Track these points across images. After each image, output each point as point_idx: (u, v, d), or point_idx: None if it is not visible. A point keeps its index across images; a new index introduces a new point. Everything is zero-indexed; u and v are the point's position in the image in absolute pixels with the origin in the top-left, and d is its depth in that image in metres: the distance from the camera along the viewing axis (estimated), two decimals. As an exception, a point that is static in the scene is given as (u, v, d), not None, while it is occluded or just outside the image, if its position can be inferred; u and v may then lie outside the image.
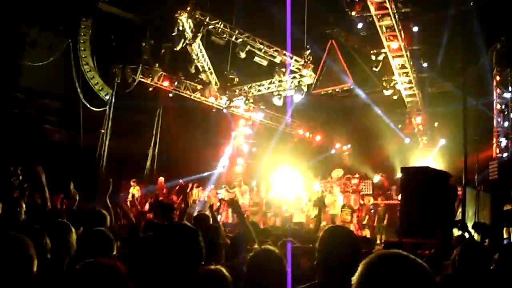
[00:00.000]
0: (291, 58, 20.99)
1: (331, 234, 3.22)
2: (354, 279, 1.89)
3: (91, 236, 3.93)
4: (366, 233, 18.19)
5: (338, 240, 3.11)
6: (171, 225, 4.11)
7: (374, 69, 20.16)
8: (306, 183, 21.62)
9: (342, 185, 21.15)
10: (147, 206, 18.42)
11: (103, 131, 22.10)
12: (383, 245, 14.90)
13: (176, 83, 22.81)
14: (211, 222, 6.64)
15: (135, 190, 20.40)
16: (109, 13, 20.08)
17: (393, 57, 17.98)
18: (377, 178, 22.34)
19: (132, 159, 23.23)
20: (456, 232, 11.65)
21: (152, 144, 24.15)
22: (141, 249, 3.61)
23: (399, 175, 17.88)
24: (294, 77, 21.33)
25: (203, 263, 2.77)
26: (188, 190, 19.55)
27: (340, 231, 3.31)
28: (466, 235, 8.47)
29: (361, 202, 19.88)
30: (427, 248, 10.04)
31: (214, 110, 24.60)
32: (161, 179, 20.58)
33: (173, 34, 20.40)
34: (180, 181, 20.96)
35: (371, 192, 21.39)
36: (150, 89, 22.17)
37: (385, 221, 18.20)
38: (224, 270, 3.35)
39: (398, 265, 1.83)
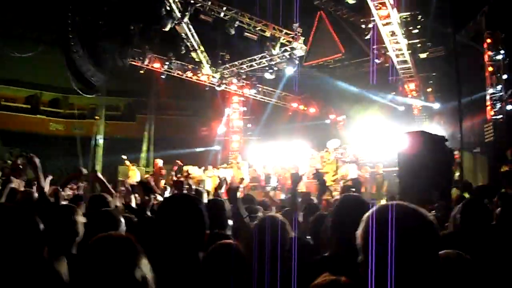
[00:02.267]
0: (281, 31, 20.88)
1: (346, 203, 3.22)
2: (359, 231, 1.94)
3: (98, 217, 4.01)
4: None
5: (353, 209, 2.97)
6: (176, 196, 4.35)
7: (364, 37, 20.07)
8: (303, 154, 21.81)
9: (340, 154, 21.11)
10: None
11: (97, 117, 22.04)
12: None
13: (167, 64, 22.72)
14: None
15: (133, 174, 20.51)
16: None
17: (383, 24, 17.77)
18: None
19: (128, 143, 23.27)
20: (455, 192, 11.76)
21: (147, 126, 24.01)
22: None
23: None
24: (285, 50, 21.21)
25: (208, 231, 2.81)
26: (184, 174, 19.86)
27: (354, 200, 3.29)
28: (466, 195, 8.51)
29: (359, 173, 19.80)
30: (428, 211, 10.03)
31: (207, 89, 24.53)
32: (158, 161, 20.57)
33: (161, 14, 20.02)
34: (177, 161, 20.88)
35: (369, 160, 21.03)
36: (142, 71, 22.21)
37: (385, 188, 18.18)
38: (231, 241, 3.36)
39: (401, 212, 1.85)
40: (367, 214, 1.93)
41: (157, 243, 2.71)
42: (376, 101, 23.02)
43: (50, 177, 6.25)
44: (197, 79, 23.78)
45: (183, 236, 2.71)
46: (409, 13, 18.17)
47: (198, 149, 24.68)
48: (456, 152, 14.22)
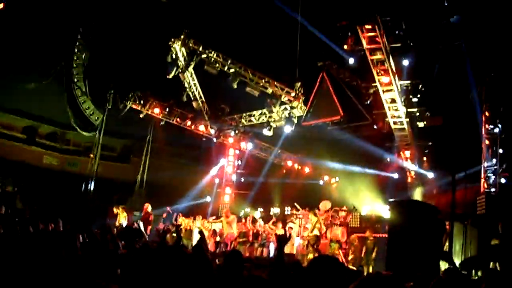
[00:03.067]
0: (283, 89, 21.05)
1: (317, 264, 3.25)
2: None
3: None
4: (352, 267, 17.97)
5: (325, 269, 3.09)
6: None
7: (365, 102, 20.19)
8: (294, 214, 21.56)
9: (329, 217, 20.86)
10: None
11: (92, 155, 21.96)
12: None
13: (167, 110, 22.84)
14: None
15: (122, 217, 20.25)
16: (103, 39, 20.19)
17: (384, 91, 18.02)
18: (365, 210, 21.98)
19: (120, 185, 23.14)
20: (443, 265, 11.55)
21: (141, 170, 23.92)
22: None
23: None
24: (285, 109, 21.31)
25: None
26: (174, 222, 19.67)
27: (326, 261, 3.30)
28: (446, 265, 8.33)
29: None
30: (416, 281, 9.87)
31: (204, 139, 24.66)
32: (147, 205, 20.21)
33: (167, 62, 20.55)
34: (168, 208, 20.83)
35: (358, 225, 21.10)
36: (141, 115, 22.30)
37: (374, 254, 17.83)
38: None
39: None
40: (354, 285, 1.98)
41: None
42: (371, 165, 23.16)
43: None
44: (195, 129, 23.86)
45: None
46: (410, 81, 18.31)
47: (191, 202, 24.51)
48: (447, 223, 14.06)
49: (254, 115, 23.17)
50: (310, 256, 16.86)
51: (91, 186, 21.21)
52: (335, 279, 3.01)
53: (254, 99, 21.69)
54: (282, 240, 5.90)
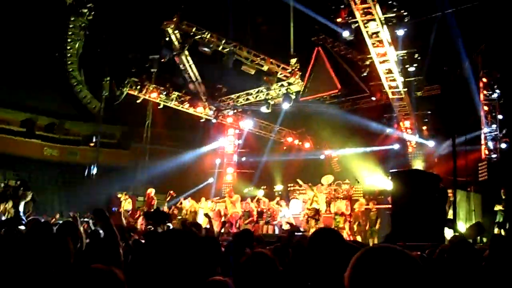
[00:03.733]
0: (279, 66, 21.06)
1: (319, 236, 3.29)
2: (345, 274, 1.88)
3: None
4: (358, 238, 18.07)
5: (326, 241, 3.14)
6: (173, 230, 4.15)
7: (361, 74, 20.14)
8: (297, 190, 22.05)
9: (332, 191, 20.94)
10: (139, 220, 18.65)
11: (92, 144, 22.01)
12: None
13: (164, 94, 22.71)
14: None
15: (126, 203, 20.50)
16: (96, 26, 20.00)
17: (380, 62, 17.98)
18: (368, 181, 21.88)
19: (122, 172, 23.24)
20: (448, 232, 11.63)
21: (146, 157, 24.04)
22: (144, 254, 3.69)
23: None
24: (282, 85, 21.42)
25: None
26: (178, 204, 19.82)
27: (326, 233, 3.35)
28: (451, 232, 8.32)
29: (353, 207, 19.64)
30: (421, 250, 9.95)
31: (202, 120, 24.59)
32: (150, 190, 20.41)
33: (161, 45, 20.59)
34: (171, 192, 21.08)
35: (362, 197, 20.71)
36: (138, 101, 22.22)
37: (377, 225, 18.02)
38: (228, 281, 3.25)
39: (389, 256, 1.84)
40: (356, 256, 1.90)
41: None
42: (371, 138, 23.14)
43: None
44: (194, 111, 23.84)
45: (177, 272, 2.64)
46: (406, 51, 18.10)
47: (199, 186, 25.08)
48: (449, 191, 14.19)
49: (251, 93, 23.16)
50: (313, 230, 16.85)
51: (93, 174, 21.30)
52: (336, 251, 3.06)
53: (250, 77, 21.71)
54: (292, 232, 6.22)
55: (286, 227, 17.97)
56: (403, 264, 1.80)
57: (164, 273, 2.62)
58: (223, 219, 19.16)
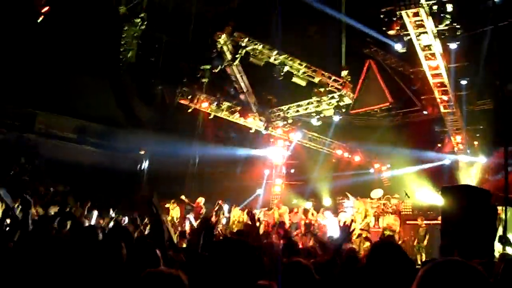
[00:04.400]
0: (330, 78, 21.40)
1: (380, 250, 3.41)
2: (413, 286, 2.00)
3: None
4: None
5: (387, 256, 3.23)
6: (231, 240, 4.04)
7: (413, 87, 20.63)
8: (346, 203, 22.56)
9: (381, 205, 21.61)
10: (187, 227, 19.21)
11: (142, 152, 22.86)
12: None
13: (214, 104, 23.14)
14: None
15: (174, 211, 21.23)
16: (150, 33, 20.71)
17: (432, 75, 18.19)
18: (420, 197, 22.04)
19: (171, 180, 24.08)
20: (499, 249, 11.99)
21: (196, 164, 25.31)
22: (203, 260, 3.78)
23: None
24: (333, 97, 21.61)
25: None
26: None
27: (389, 247, 3.46)
28: (508, 249, 8.40)
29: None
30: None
31: (252, 131, 24.80)
32: (200, 199, 20.87)
33: (213, 55, 21.07)
34: (219, 201, 20.97)
35: (411, 212, 21.53)
36: (189, 110, 22.61)
37: (425, 242, 18.42)
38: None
39: (457, 269, 1.96)
40: (425, 269, 2.02)
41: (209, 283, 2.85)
42: (421, 152, 23.44)
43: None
44: (244, 122, 24.14)
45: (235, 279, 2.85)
46: (458, 64, 18.38)
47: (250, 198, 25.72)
48: (499, 208, 14.33)
49: (301, 105, 23.33)
50: (367, 244, 17.24)
51: (144, 181, 22.00)
52: (398, 267, 3.16)
53: (301, 89, 22.11)
54: (346, 231, 5.97)
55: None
56: (473, 279, 1.93)
57: (221, 278, 2.84)
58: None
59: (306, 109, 23.28)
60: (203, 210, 20.59)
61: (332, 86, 21.54)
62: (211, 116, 23.53)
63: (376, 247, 3.65)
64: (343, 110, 21.94)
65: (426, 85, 19.51)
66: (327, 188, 25.61)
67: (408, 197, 21.19)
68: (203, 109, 23.16)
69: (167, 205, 21.09)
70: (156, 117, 22.02)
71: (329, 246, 7.68)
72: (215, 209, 20.54)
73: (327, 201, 24.78)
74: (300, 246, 17.67)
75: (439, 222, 15.08)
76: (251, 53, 21.13)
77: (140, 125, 22.21)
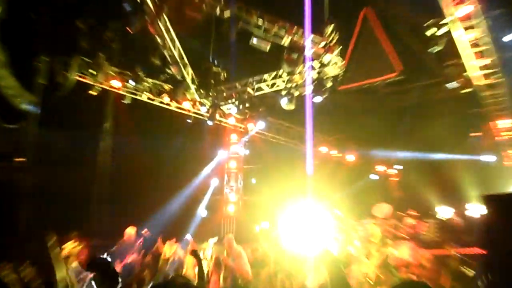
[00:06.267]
0: (307, 38, 20.39)
1: None
2: None
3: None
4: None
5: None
6: None
7: (431, 49, 19.52)
8: (336, 226, 20.92)
9: (391, 227, 20.20)
10: None
11: (20, 159, 21.76)
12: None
13: (131, 82, 22.61)
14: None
15: (74, 250, 19.93)
16: None
17: (465, 28, 17.44)
18: (445, 213, 21.54)
19: (67, 200, 22.97)
20: None
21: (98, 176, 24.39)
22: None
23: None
24: (312, 67, 21.04)
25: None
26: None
27: None
28: None
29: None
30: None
31: (189, 121, 24.55)
32: (131, 230, 19.93)
33: (127, 8, 19.67)
34: (144, 231, 20.24)
35: (435, 237, 20.36)
36: (93, 92, 21.87)
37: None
38: None
39: None
40: None
41: None
42: (449, 145, 23.19)
43: None
44: (177, 107, 23.85)
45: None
46: (500, 10, 17.37)
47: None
48: None
49: (265, 80, 22.94)
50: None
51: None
52: None
53: (264, 56, 21.10)
54: None
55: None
56: None
57: None
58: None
59: (272, 85, 22.97)
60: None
61: (310, 50, 20.57)
62: (127, 101, 23.03)
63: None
64: (328, 86, 21.42)
65: (453, 45, 18.60)
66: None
67: (430, 214, 20.76)
68: (114, 90, 22.66)
69: (66, 247, 19.92)
70: (41, 106, 20.66)
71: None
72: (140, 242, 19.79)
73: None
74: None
75: (478, 250, 14.50)
76: (185, 4, 20.29)
77: (16, 119, 20.50)
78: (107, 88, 22.35)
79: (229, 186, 28.08)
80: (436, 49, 19.08)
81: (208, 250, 20.35)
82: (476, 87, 19.98)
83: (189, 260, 18.11)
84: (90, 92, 21.84)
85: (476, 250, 17.50)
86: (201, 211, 26.84)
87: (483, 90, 20.14)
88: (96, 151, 24.87)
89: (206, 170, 27.87)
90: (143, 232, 20.19)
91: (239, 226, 25.23)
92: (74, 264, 19.23)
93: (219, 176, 28.06)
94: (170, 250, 19.99)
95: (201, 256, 19.93)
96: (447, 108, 22.33)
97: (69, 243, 20.00)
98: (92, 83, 21.66)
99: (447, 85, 20.22)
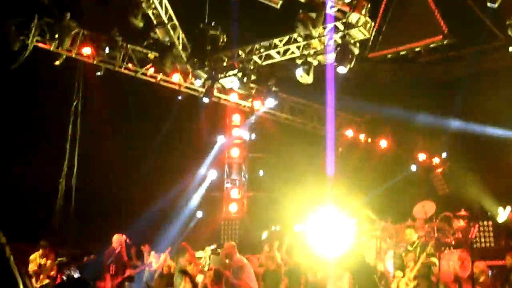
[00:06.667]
0: None
1: None
2: None
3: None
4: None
5: None
6: None
7: (489, 5, 18.97)
8: (365, 231, 21.58)
9: (433, 231, 20.40)
10: None
11: None
12: None
13: (107, 50, 22.04)
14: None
15: (42, 260, 20.34)
16: None
17: None
18: (504, 214, 21.04)
19: (27, 198, 23.23)
20: None
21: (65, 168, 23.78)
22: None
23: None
24: (336, 29, 20.47)
25: None
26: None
27: None
28: None
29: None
30: None
31: (180, 98, 24.20)
32: (120, 238, 20.50)
33: None
34: (123, 236, 20.92)
35: (493, 244, 21.16)
36: (58, 62, 21.42)
37: None
38: None
39: None
40: None
41: None
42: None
43: None
44: (164, 80, 23.41)
45: None
46: None
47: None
48: None
49: (275, 45, 22.25)
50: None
51: None
52: None
53: (274, 15, 20.81)
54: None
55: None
56: None
57: None
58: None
59: (284, 52, 22.12)
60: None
61: (332, 7, 19.98)
62: (100, 73, 22.50)
63: None
64: (355, 53, 20.33)
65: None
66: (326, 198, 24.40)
67: (487, 214, 21.04)
68: (85, 59, 22.25)
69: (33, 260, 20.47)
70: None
71: None
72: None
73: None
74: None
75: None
76: None
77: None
78: (76, 57, 21.93)
79: (230, 179, 28.01)
80: (495, 4, 18.64)
81: (204, 260, 20.84)
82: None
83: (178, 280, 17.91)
84: (55, 63, 21.46)
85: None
86: (196, 212, 26.83)
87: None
88: (62, 139, 24.29)
89: (202, 161, 27.74)
90: (123, 237, 20.56)
91: (243, 231, 25.34)
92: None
93: (219, 168, 27.92)
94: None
95: (196, 268, 19.91)
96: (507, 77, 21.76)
97: (36, 254, 20.28)
98: (56, 51, 21.21)
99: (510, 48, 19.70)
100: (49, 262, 20.54)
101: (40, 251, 20.51)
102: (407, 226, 19.12)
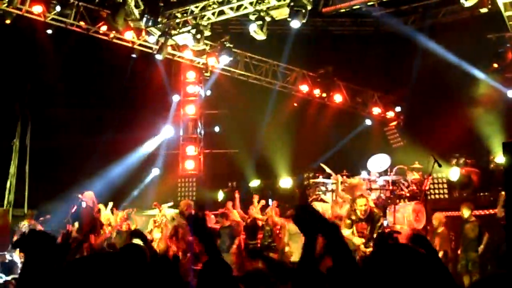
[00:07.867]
0: None
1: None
2: None
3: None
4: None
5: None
6: None
7: None
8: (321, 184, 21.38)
9: (389, 185, 20.72)
10: None
11: None
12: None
13: (58, 8, 21.68)
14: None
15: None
16: None
17: None
18: (456, 168, 21.45)
19: None
20: None
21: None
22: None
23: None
24: None
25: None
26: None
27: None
28: None
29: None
30: None
31: (134, 56, 24.05)
32: (90, 194, 20.29)
33: None
34: (79, 195, 20.44)
35: (447, 195, 21.41)
36: (8, 20, 21.27)
37: (481, 249, 17.56)
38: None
39: None
40: None
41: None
42: (462, 79, 22.52)
43: None
44: (117, 38, 23.36)
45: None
46: None
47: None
48: None
49: (229, 1, 21.99)
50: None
51: None
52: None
53: None
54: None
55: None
56: None
57: None
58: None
59: (237, 8, 22.00)
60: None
61: None
62: (51, 31, 22.39)
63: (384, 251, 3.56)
64: (309, 7, 20.25)
65: None
66: (284, 159, 25.13)
67: (440, 166, 20.07)
68: (35, 17, 21.85)
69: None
70: None
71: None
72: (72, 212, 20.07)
73: (285, 181, 24.30)
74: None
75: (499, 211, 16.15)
76: None
77: None
78: (27, 15, 21.64)
79: (186, 136, 28.04)
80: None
81: (161, 217, 20.70)
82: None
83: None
84: (5, 21, 21.30)
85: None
86: (152, 170, 26.84)
87: (507, 9, 19.23)
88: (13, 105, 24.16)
89: (158, 119, 27.80)
90: (79, 195, 20.17)
91: (200, 188, 25.08)
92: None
93: (175, 125, 27.97)
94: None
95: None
96: (462, 32, 21.73)
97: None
98: (4, 8, 20.99)
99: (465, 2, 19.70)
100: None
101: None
102: (359, 196, 19.21)
